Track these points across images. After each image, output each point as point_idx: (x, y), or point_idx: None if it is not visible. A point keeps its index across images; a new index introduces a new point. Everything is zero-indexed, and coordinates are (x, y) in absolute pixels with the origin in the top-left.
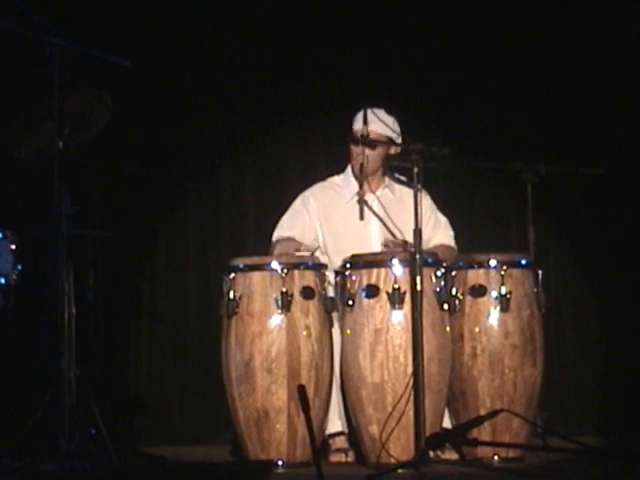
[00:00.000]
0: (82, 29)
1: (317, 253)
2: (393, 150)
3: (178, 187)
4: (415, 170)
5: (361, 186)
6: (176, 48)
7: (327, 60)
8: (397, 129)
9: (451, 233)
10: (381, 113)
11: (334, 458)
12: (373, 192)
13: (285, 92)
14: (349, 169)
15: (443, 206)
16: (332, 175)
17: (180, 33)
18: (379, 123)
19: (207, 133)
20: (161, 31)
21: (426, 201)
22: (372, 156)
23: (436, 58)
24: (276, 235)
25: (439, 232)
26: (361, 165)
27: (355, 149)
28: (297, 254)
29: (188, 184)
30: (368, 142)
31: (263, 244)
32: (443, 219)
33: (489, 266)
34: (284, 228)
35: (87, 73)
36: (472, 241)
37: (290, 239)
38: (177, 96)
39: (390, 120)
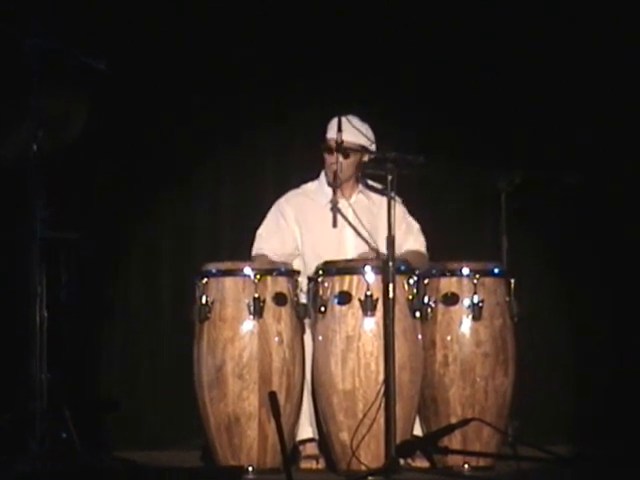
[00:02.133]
0: (62, 29)
1: (297, 260)
2: (367, 157)
3: (153, 190)
4: (389, 178)
5: (334, 193)
6: (154, 52)
7: (301, 67)
8: (371, 136)
9: (422, 239)
10: (355, 120)
11: (304, 465)
12: (347, 199)
13: (260, 99)
14: (322, 176)
15: (416, 213)
16: (306, 182)
17: (159, 38)
18: (353, 131)
19: (183, 137)
20: (141, 35)
21: (398, 207)
22: (345, 164)
23: (410, 66)
24: (256, 247)
25: (410, 238)
26: (335, 173)
27: (329, 157)
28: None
29: (163, 187)
30: (342, 150)
31: (238, 249)
32: (416, 225)
33: (462, 274)
34: (263, 238)
35: (66, 76)
36: (445, 249)
37: (264, 256)
38: (154, 99)
39: (364, 127)
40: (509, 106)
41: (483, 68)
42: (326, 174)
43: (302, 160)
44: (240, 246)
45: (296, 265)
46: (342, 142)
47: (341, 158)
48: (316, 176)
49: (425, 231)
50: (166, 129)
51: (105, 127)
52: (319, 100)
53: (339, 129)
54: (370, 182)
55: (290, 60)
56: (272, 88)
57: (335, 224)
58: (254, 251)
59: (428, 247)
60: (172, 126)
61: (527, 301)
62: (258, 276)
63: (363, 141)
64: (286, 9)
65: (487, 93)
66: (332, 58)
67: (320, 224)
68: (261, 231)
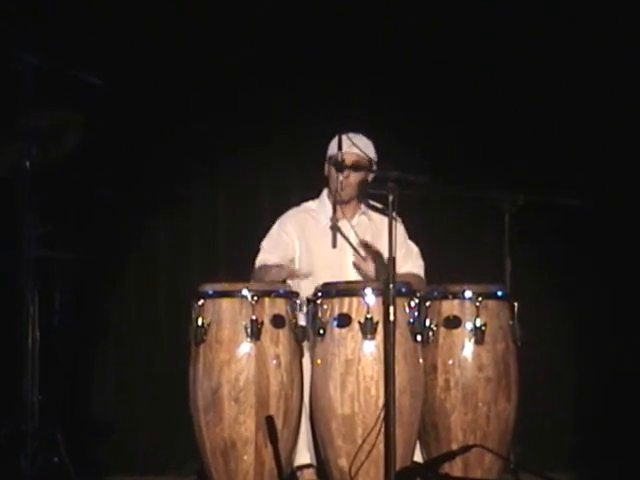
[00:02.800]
0: (56, 46)
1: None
2: (370, 176)
3: (149, 209)
4: (390, 198)
5: (335, 212)
6: (149, 69)
7: (301, 83)
8: (375, 155)
9: (421, 263)
10: (363, 138)
11: None
12: (348, 220)
13: (258, 115)
14: (324, 194)
15: (417, 234)
16: (306, 200)
17: (152, 55)
18: (363, 147)
19: (180, 153)
20: (134, 52)
21: (399, 229)
22: (355, 180)
23: (414, 83)
24: (260, 259)
25: (409, 261)
26: (345, 190)
27: (338, 174)
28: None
29: (159, 206)
30: (354, 167)
31: (234, 269)
32: (415, 249)
33: (464, 297)
34: (267, 251)
35: (60, 91)
36: (447, 271)
37: (279, 265)
38: (151, 116)
39: (371, 145)
40: (512, 126)
41: (484, 87)
42: (331, 192)
43: (301, 178)
44: (238, 265)
45: (294, 286)
46: (356, 159)
47: (352, 174)
48: (316, 195)
49: (426, 252)
50: (163, 145)
51: (102, 144)
52: (318, 117)
53: (352, 144)
54: (372, 203)
55: (291, 75)
56: (270, 105)
57: (334, 244)
58: (258, 262)
59: (429, 269)
60: (169, 142)
61: (530, 325)
62: (256, 297)
63: (372, 157)
64: (285, 26)
65: (491, 113)
66: (332, 75)
67: (320, 244)
68: (264, 244)
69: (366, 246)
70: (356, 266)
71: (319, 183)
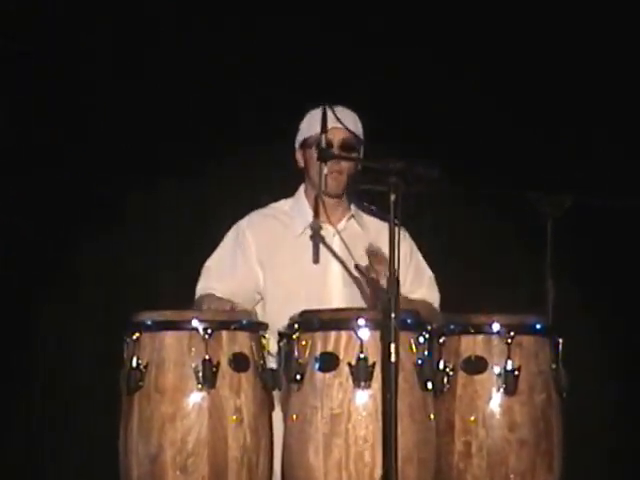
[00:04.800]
0: None
1: (258, 307)
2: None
3: (69, 222)
4: (392, 198)
5: (317, 215)
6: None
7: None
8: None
9: (437, 295)
10: (346, 110)
11: None
12: (333, 224)
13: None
14: (301, 192)
15: (428, 248)
16: (276, 200)
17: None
18: (352, 123)
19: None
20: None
21: (406, 242)
22: (350, 169)
23: (422, 49)
24: (201, 286)
25: (421, 289)
26: (336, 181)
27: (322, 162)
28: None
29: (84, 219)
30: (347, 149)
31: (180, 296)
32: (428, 273)
33: (490, 331)
34: (212, 277)
35: None
36: (468, 297)
37: (220, 299)
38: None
39: (358, 120)
40: (558, 104)
41: (519, 55)
42: (313, 188)
43: (267, 180)
44: (183, 293)
45: (260, 315)
46: (348, 139)
47: (343, 162)
48: (291, 193)
49: (439, 271)
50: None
51: (17, 170)
52: (293, 85)
53: (338, 119)
54: (366, 204)
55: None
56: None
57: (316, 259)
58: (199, 291)
59: (443, 293)
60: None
61: (577, 368)
62: (210, 330)
63: (361, 137)
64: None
65: (526, 88)
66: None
67: (293, 259)
68: (210, 263)
69: (372, 252)
70: (360, 270)
71: (294, 178)
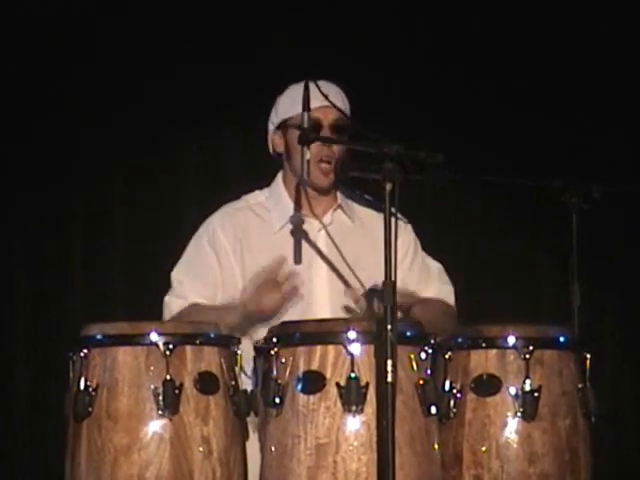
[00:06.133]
0: None
1: None
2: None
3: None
4: (388, 187)
5: (299, 207)
6: None
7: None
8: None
9: (450, 287)
10: (332, 86)
11: None
12: (318, 217)
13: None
14: (279, 181)
15: (432, 246)
16: (250, 191)
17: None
18: (339, 101)
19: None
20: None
21: (407, 236)
22: (341, 154)
23: (424, 22)
24: (175, 303)
25: (431, 285)
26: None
27: (305, 147)
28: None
29: (18, 222)
30: (338, 130)
31: (137, 306)
32: (434, 264)
33: (505, 345)
34: (184, 282)
35: None
36: (479, 306)
37: (198, 305)
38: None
39: (345, 97)
40: (582, 85)
41: (541, 29)
42: (294, 175)
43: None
44: (142, 300)
45: None
46: (340, 119)
47: (334, 145)
48: (266, 184)
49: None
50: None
51: None
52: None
53: (323, 94)
54: (358, 193)
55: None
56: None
57: (298, 259)
58: (174, 307)
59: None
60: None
61: (611, 389)
62: (171, 345)
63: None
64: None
65: (546, 67)
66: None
67: (273, 259)
68: (178, 274)
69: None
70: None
71: (270, 166)
